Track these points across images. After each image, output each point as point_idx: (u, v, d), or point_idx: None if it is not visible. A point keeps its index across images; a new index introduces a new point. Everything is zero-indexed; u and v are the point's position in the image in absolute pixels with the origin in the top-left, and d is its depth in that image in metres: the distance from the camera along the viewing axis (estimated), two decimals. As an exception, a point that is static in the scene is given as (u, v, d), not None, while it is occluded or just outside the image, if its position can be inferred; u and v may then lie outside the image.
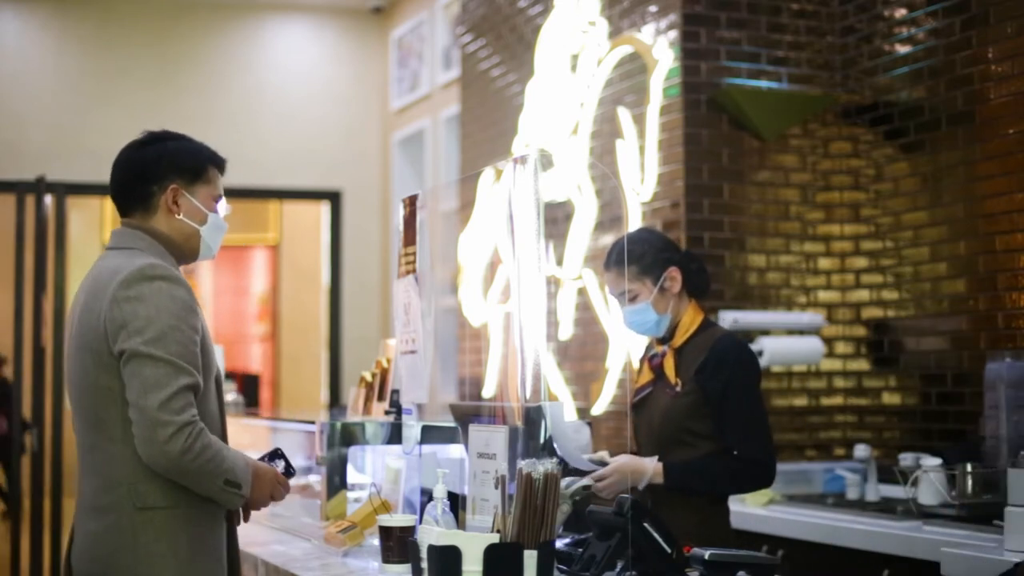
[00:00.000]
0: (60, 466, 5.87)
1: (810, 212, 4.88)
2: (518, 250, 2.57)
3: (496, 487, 2.46)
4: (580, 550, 2.59)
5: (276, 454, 2.65)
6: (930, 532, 3.51)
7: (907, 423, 4.57)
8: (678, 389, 3.17)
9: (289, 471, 2.65)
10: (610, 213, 5.09)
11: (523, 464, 2.29)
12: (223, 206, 2.68)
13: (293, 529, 3.53)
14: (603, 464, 3.01)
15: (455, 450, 3.16)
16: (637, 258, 3.20)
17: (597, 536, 2.58)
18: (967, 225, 4.27)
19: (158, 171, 2.57)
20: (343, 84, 8.94)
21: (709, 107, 4.71)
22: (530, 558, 2.23)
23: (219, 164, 2.65)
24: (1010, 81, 4.09)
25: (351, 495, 3.44)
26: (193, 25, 8.65)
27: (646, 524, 2.46)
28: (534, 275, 2.53)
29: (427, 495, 2.80)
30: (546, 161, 5.35)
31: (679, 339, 3.22)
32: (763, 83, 4.80)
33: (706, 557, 2.51)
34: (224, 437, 2.58)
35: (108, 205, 10.18)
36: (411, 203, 3.06)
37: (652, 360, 3.30)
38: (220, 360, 3.24)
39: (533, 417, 2.58)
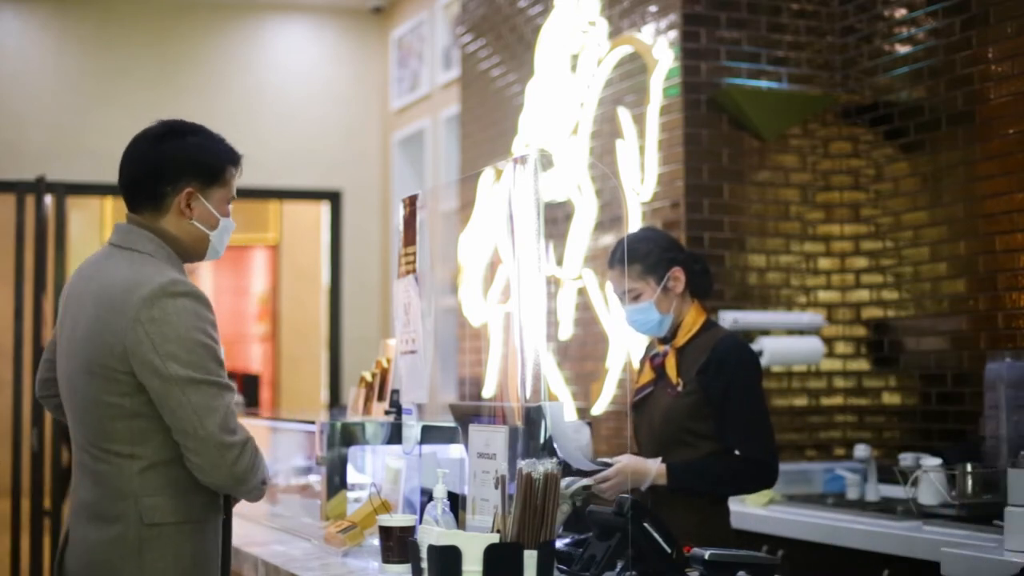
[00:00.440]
0: (60, 466, 5.87)
1: (810, 212, 4.88)
2: (518, 250, 2.56)
3: (496, 487, 2.46)
4: (580, 550, 2.59)
5: None
6: (930, 532, 3.51)
7: (907, 423, 4.57)
8: (679, 389, 3.17)
9: None
10: (610, 213, 5.09)
11: (523, 464, 2.28)
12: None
13: (293, 529, 3.53)
14: (607, 466, 3.01)
15: (455, 450, 3.16)
16: (641, 257, 3.20)
17: (597, 536, 2.58)
18: (967, 225, 4.27)
19: (174, 171, 2.46)
20: (343, 84, 8.93)
21: (709, 107, 4.71)
22: (530, 558, 2.23)
23: (236, 161, 2.57)
24: (1010, 81, 4.09)
25: (351, 495, 3.43)
26: (193, 25, 8.64)
27: (646, 524, 2.46)
28: (534, 275, 2.53)
29: (427, 495, 2.80)
30: (546, 161, 5.35)
31: (681, 339, 3.22)
32: (763, 83, 4.80)
33: (706, 557, 2.51)
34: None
35: (108, 205, 10.16)
36: (411, 203, 3.06)
37: (654, 359, 3.30)
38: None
39: (533, 417, 2.57)
